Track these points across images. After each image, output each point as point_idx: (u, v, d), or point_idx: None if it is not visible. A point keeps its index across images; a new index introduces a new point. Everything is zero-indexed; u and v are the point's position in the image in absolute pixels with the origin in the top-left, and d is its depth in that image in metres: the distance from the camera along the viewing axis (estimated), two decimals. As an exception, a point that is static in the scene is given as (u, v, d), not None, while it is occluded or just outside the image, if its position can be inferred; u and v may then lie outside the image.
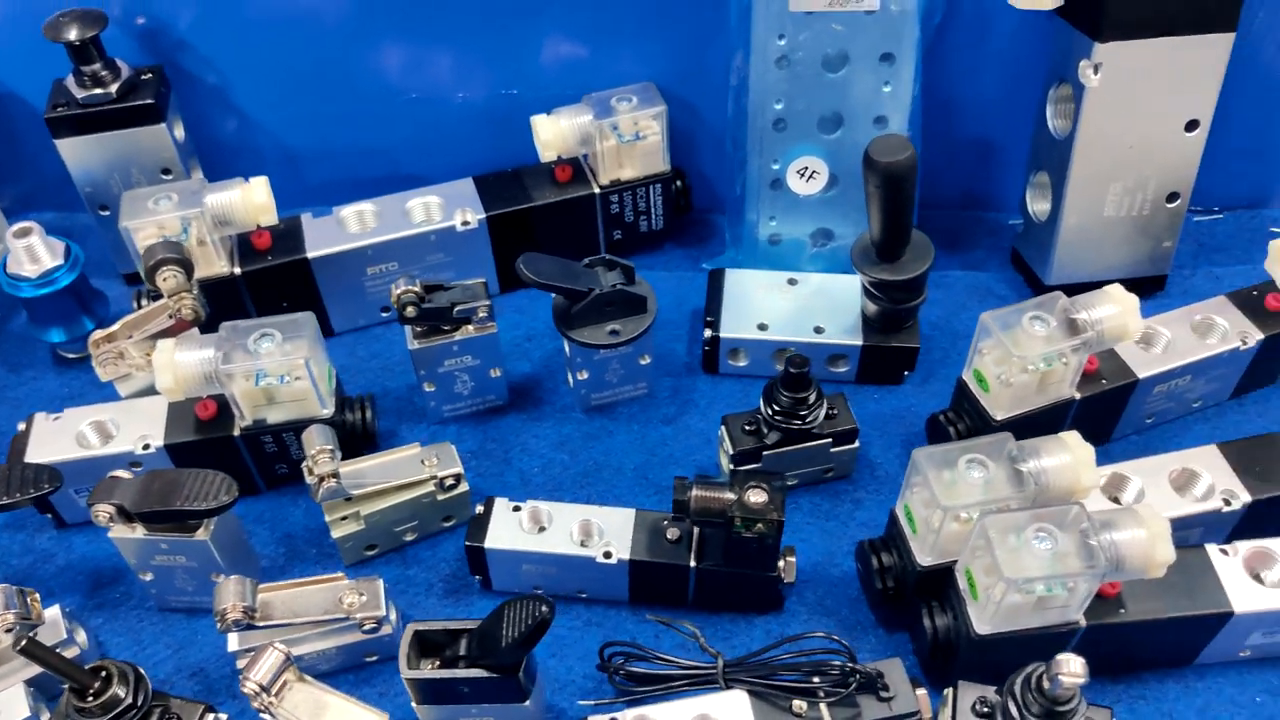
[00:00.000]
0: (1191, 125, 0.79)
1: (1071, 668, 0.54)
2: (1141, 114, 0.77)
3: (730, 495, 0.63)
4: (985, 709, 0.58)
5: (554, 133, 0.83)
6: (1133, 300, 0.69)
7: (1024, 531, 0.58)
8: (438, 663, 0.57)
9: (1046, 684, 0.54)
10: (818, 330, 0.81)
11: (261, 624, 0.62)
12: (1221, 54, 0.75)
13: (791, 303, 0.82)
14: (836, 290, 0.83)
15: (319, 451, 0.66)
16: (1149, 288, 0.87)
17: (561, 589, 0.70)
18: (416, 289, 0.72)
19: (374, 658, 0.67)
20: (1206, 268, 0.91)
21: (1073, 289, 0.80)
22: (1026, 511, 0.59)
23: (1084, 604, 0.60)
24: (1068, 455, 0.62)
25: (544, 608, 0.52)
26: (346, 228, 0.84)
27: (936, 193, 0.95)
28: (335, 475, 0.67)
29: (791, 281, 0.84)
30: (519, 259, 0.71)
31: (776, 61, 0.78)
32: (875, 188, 0.71)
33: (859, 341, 0.80)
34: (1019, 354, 0.67)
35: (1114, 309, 0.69)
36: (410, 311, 0.72)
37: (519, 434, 0.80)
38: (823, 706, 0.59)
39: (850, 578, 0.71)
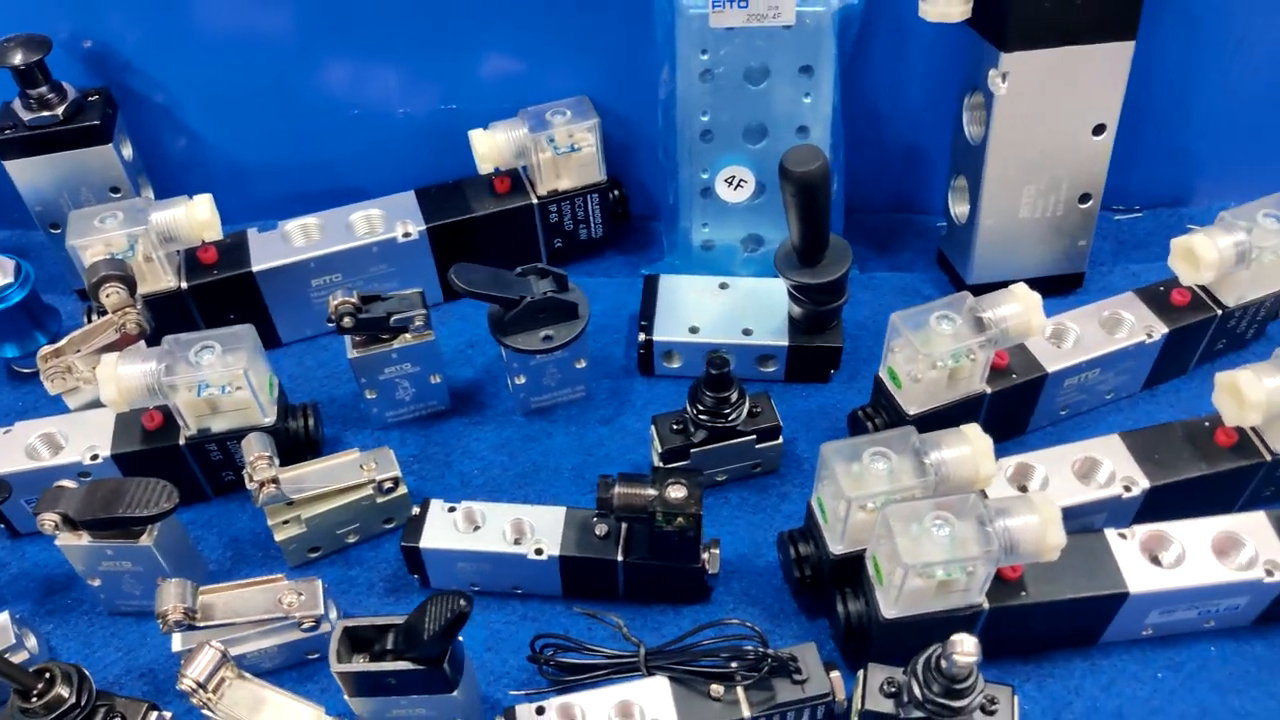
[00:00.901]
0: (1099, 129, 0.82)
1: (965, 647, 0.57)
2: (1049, 119, 0.81)
3: (651, 491, 0.66)
4: (892, 689, 0.62)
5: (490, 146, 0.86)
6: (1035, 298, 0.73)
7: (923, 519, 0.61)
8: (368, 657, 0.60)
9: (944, 663, 0.58)
10: (746, 332, 0.84)
11: (203, 624, 0.65)
12: (1123, 61, 0.79)
13: (722, 306, 0.86)
14: (765, 293, 0.86)
15: (257, 458, 0.69)
16: (1067, 285, 0.91)
17: (497, 586, 0.73)
18: (353, 300, 0.75)
19: (315, 655, 0.70)
20: (1124, 264, 0.95)
21: (993, 288, 0.83)
22: (926, 501, 0.62)
23: (984, 587, 0.63)
24: (967, 447, 0.65)
25: (462, 602, 0.55)
26: (291, 241, 0.87)
27: (866, 197, 0.99)
28: (275, 481, 0.70)
29: (723, 286, 0.87)
30: (451, 269, 0.74)
31: (700, 75, 0.81)
32: (791, 196, 0.74)
33: (785, 342, 0.83)
34: (925, 352, 0.70)
35: (1018, 307, 0.72)
36: (347, 322, 0.75)
37: (460, 438, 0.83)
38: (739, 690, 0.62)
39: (774, 568, 0.74)
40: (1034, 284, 0.87)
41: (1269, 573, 0.65)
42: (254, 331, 0.73)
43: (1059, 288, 0.91)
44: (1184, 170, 0.99)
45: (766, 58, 0.80)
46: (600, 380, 0.86)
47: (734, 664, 0.63)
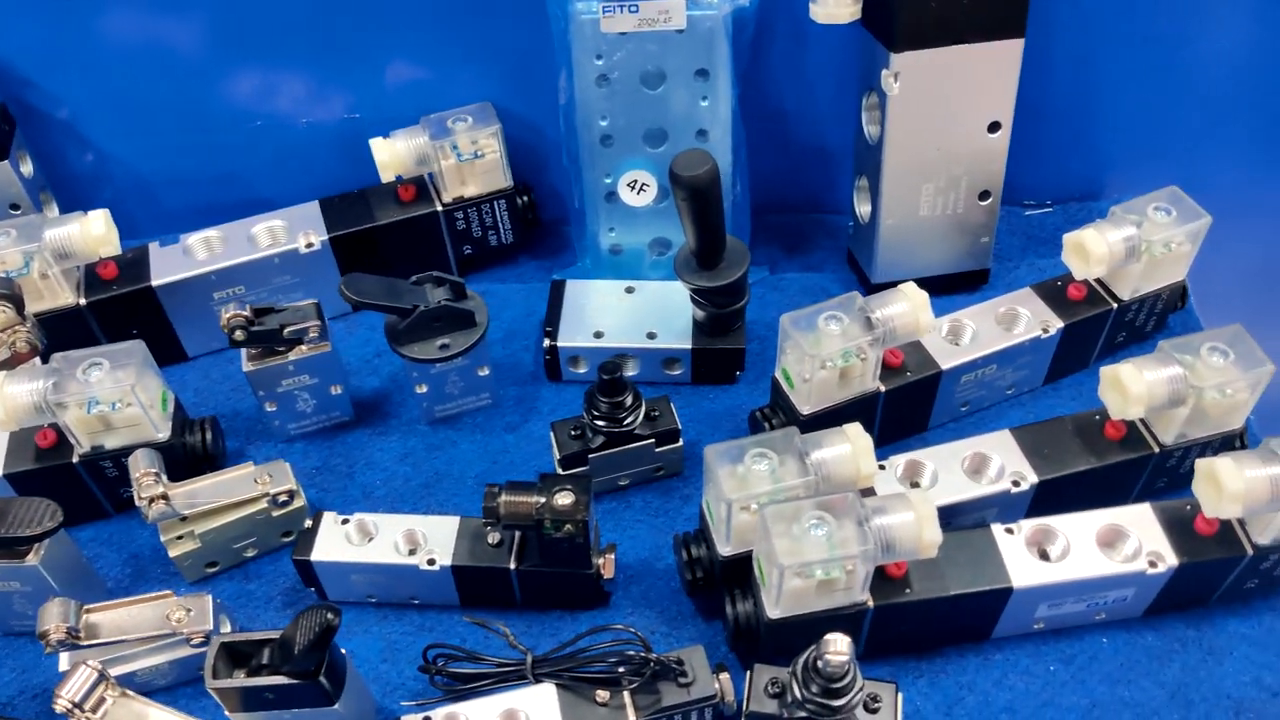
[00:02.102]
0: (994, 127, 0.83)
1: (837, 647, 0.57)
2: (943, 118, 0.82)
3: (538, 499, 0.66)
4: (776, 689, 0.62)
5: (391, 154, 0.86)
6: (923, 297, 0.73)
7: (801, 520, 0.62)
8: (246, 673, 0.60)
9: (820, 663, 0.58)
10: (651, 336, 0.84)
11: (87, 644, 0.64)
12: (1013, 58, 0.80)
13: (627, 310, 0.86)
14: (670, 297, 0.86)
15: (143, 475, 0.68)
16: (973, 281, 0.92)
17: (394, 597, 0.73)
18: (245, 313, 0.75)
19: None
20: (1032, 259, 0.95)
21: (896, 285, 0.85)
22: (804, 501, 0.62)
23: (866, 585, 0.64)
24: (848, 446, 0.66)
25: (329, 615, 0.55)
26: (193, 255, 0.86)
27: (776, 198, 0.99)
28: (164, 497, 0.69)
29: (629, 290, 0.88)
30: (342, 280, 0.74)
31: (596, 81, 0.81)
32: (683, 200, 0.74)
33: (689, 345, 0.83)
34: (812, 352, 0.71)
35: (905, 306, 0.73)
36: (239, 335, 0.74)
37: (364, 448, 0.82)
38: (625, 694, 0.63)
39: (674, 571, 0.74)
40: (939, 281, 0.91)
41: (1152, 564, 0.66)
42: (144, 347, 0.73)
43: (965, 284, 0.91)
44: (1093, 164, 1.00)
45: (661, 62, 0.81)
46: (507, 387, 0.86)
47: (620, 669, 0.63)
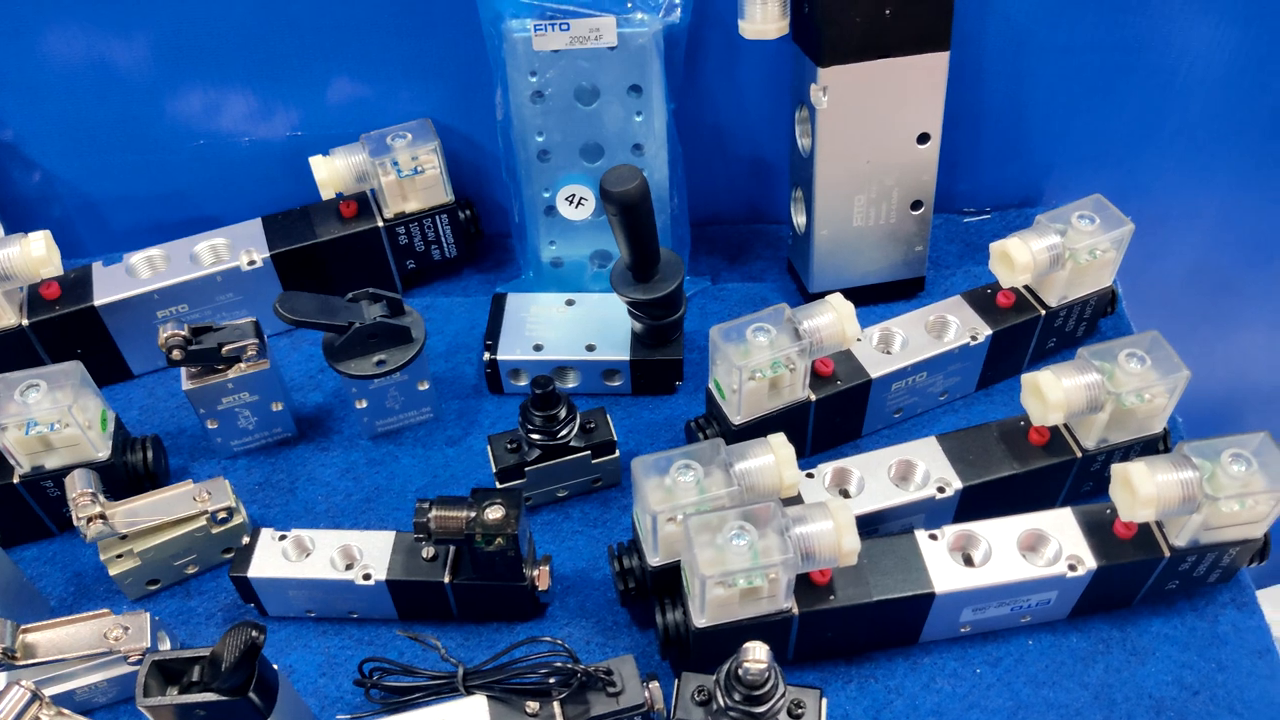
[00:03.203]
0: (923, 138, 0.85)
1: (756, 655, 0.59)
2: (873, 130, 0.83)
3: (468, 514, 0.67)
4: (703, 697, 0.63)
5: (330, 171, 0.86)
6: (849, 308, 0.75)
7: (723, 530, 0.63)
8: (179, 690, 0.60)
9: (740, 671, 0.60)
10: (590, 348, 0.85)
11: (23, 663, 0.65)
12: (939, 71, 0.81)
13: (567, 323, 0.87)
14: (610, 309, 0.87)
15: (79, 495, 0.69)
16: (909, 289, 0.93)
17: (333, 611, 0.74)
18: (183, 332, 0.75)
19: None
20: (969, 266, 0.97)
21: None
22: (726, 511, 0.64)
23: (789, 593, 0.65)
24: (770, 456, 0.67)
25: (254, 633, 0.56)
26: (136, 274, 0.87)
27: (718, 210, 1.01)
28: (101, 516, 0.70)
29: (569, 303, 0.89)
30: (276, 299, 0.74)
31: (531, 97, 0.83)
32: (614, 215, 0.76)
33: (627, 357, 0.85)
34: (740, 364, 0.72)
35: (832, 317, 0.74)
36: (176, 354, 0.75)
37: (306, 464, 0.83)
38: (555, 705, 0.64)
39: (610, 581, 0.76)
40: (875, 289, 0.92)
41: (1072, 567, 0.68)
42: (81, 368, 0.74)
43: (901, 292, 0.93)
44: (1030, 171, 1.02)
45: (594, 78, 0.82)
46: (449, 400, 0.87)
47: (550, 680, 0.64)
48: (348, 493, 0.81)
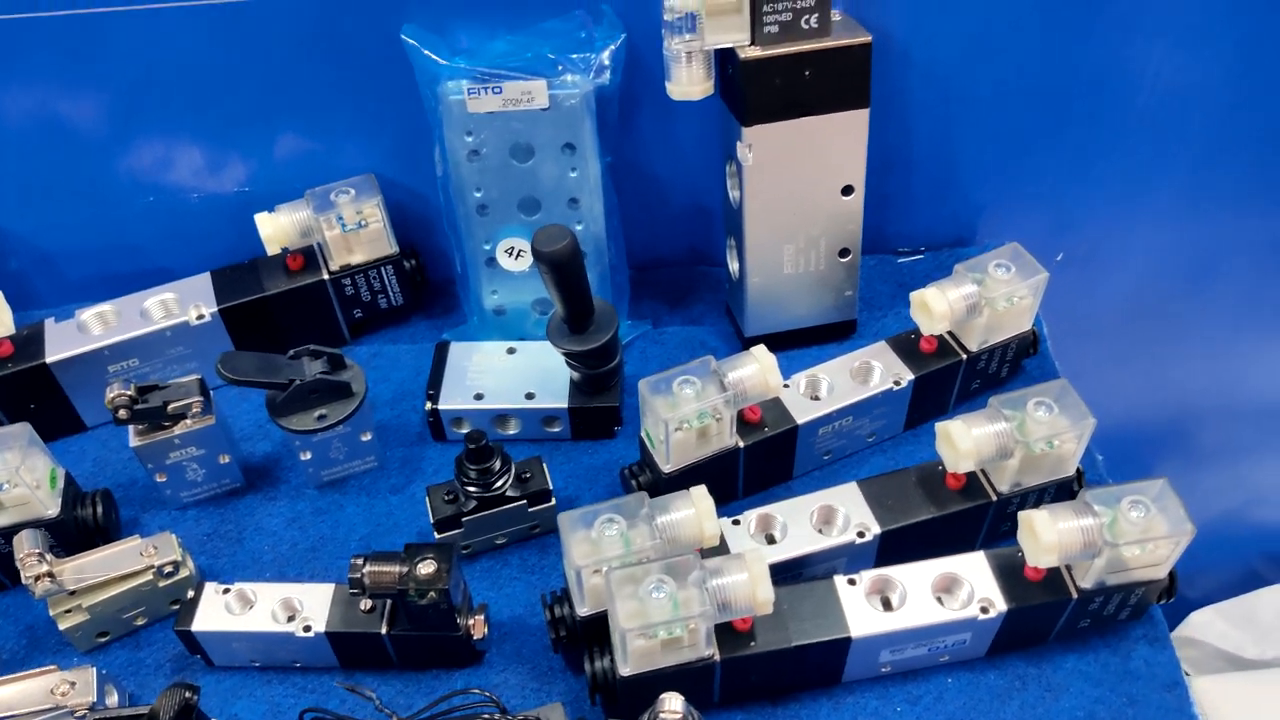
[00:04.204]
0: (847, 190, 0.88)
1: (670, 705, 0.62)
2: (798, 184, 0.86)
3: (401, 569, 0.70)
4: (626, 742, 0.66)
5: (275, 228, 0.89)
6: (771, 360, 0.78)
7: (643, 582, 0.66)
8: (118, 748, 0.63)
9: (658, 720, 0.62)
10: (530, 396, 0.88)
11: (-31, 723, 0.67)
12: (860, 127, 0.84)
13: (508, 371, 0.90)
14: (550, 357, 0.89)
15: (26, 555, 0.71)
16: (841, 332, 0.96)
17: (276, 661, 0.76)
18: (129, 392, 0.78)
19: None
20: (900, 307, 1.00)
21: (769, 338, 0.90)
22: (650, 564, 0.66)
23: (710, 641, 0.68)
24: (692, 509, 0.70)
25: (188, 694, 0.58)
26: (88, 330, 0.89)
27: (658, 255, 1.04)
28: (49, 575, 0.72)
29: (510, 351, 0.91)
30: (218, 359, 0.77)
31: (468, 156, 0.85)
32: (547, 273, 0.78)
33: (566, 404, 0.87)
34: (666, 416, 0.75)
35: (755, 368, 0.77)
36: (123, 414, 0.77)
37: (253, 514, 0.86)
38: (484, 752, 0.67)
39: (546, 629, 0.78)
40: (808, 333, 0.95)
41: (984, 610, 0.71)
42: (29, 429, 0.76)
43: (833, 335, 0.96)
44: (961, 213, 1.05)
45: (529, 138, 0.85)
46: (394, 448, 0.90)
47: (480, 727, 0.67)
48: (294, 542, 0.84)
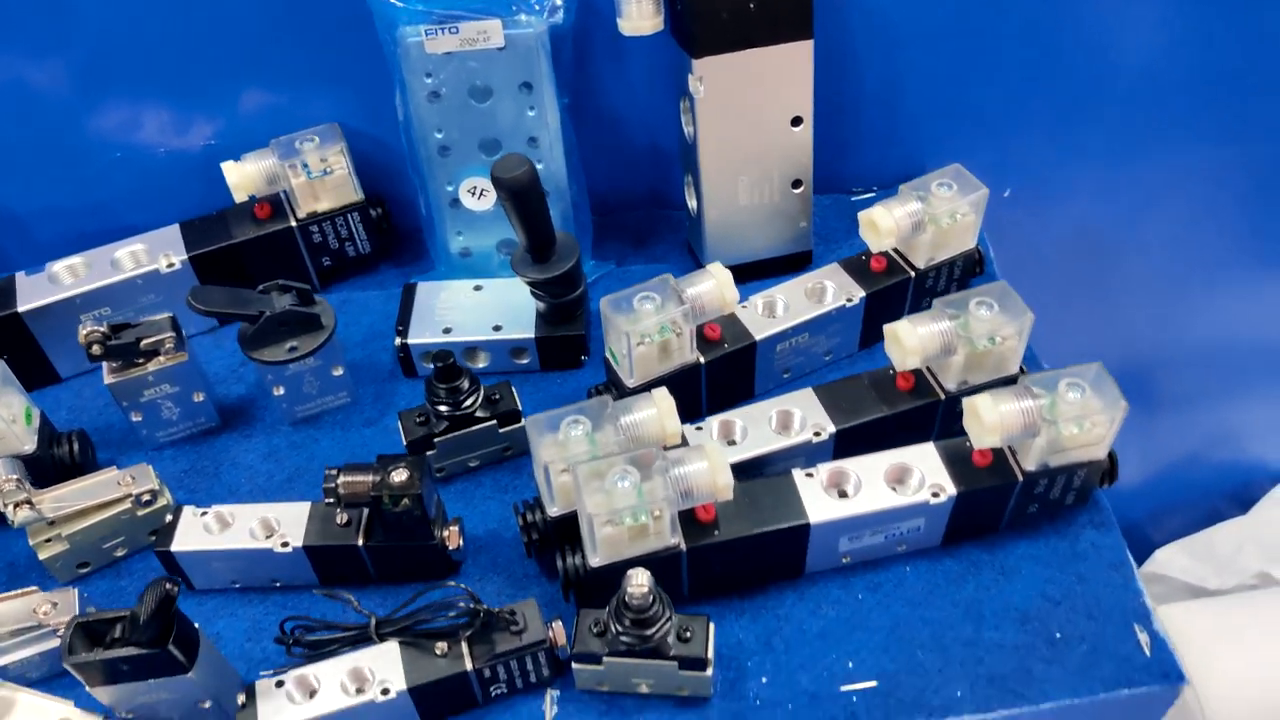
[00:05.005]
0: (796, 121, 0.91)
1: (637, 580, 0.64)
2: (748, 116, 0.90)
3: (374, 478, 0.72)
4: (599, 628, 0.69)
5: (241, 175, 0.92)
6: (726, 275, 0.81)
7: (608, 474, 0.68)
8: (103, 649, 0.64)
9: (626, 598, 0.65)
10: (497, 328, 0.91)
11: (-45, 641, 0.69)
12: (805, 57, 0.88)
13: (475, 307, 0.92)
14: (516, 292, 0.92)
15: (4, 481, 0.73)
16: (797, 263, 1.00)
17: (256, 580, 0.78)
18: (102, 329, 0.80)
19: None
20: (854, 240, 1.03)
21: (728, 270, 0.93)
22: (612, 458, 0.69)
23: (675, 529, 0.71)
24: (653, 409, 0.73)
25: (169, 585, 0.60)
26: (59, 281, 0.91)
27: (621, 197, 1.07)
28: (27, 502, 0.74)
29: (477, 288, 0.94)
30: (189, 291, 0.79)
31: (428, 97, 0.88)
32: (507, 200, 0.81)
33: (532, 334, 0.90)
34: (628, 329, 0.78)
35: (712, 283, 0.81)
36: (96, 350, 0.79)
37: (229, 450, 0.88)
38: (463, 645, 0.69)
39: (520, 539, 0.81)
40: (766, 265, 0.99)
41: (935, 495, 0.74)
42: (3, 366, 0.78)
43: (790, 266, 0.99)
44: (910, 151, 1.09)
45: (486, 78, 0.88)
46: (366, 385, 0.92)
47: (456, 622, 0.69)
48: (270, 474, 0.86)
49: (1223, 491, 1.71)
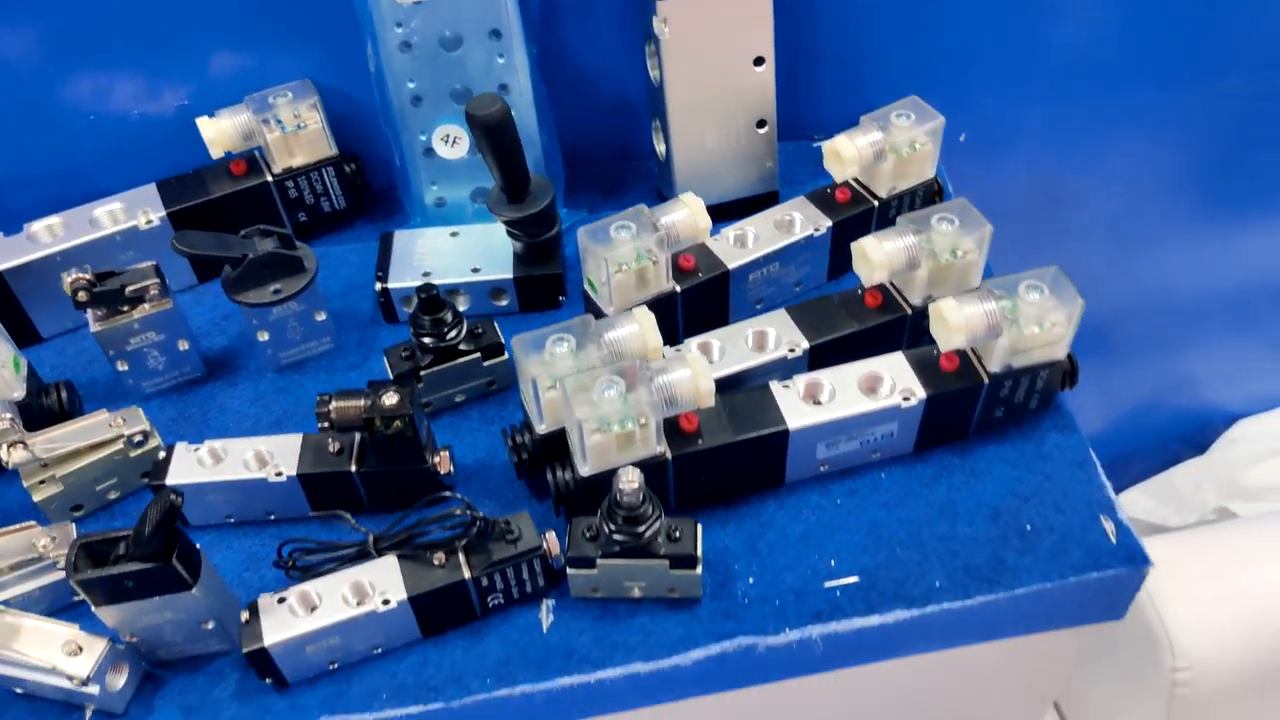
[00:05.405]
0: (758, 61, 0.95)
1: (628, 477, 0.67)
2: (712, 57, 0.93)
3: (365, 401, 0.74)
4: (591, 533, 0.71)
5: (217, 131, 0.93)
6: (699, 203, 0.84)
7: (594, 385, 0.71)
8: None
9: (619, 497, 0.68)
10: (475, 270, 0.93)
11: (-45, 574, 0.70)
12: (764, -3, 0.92)
13: (453, 251, 0.95)
14: (493, 236, 0.95)
15: (-3, 421, 0.74)
16: (764, 203, 1.02)
17: (251, 513, 0.79)
18: (87, 276, 0.81)
19: (81, 597, 0.75)
20: (820, 180, 1.07)
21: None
22: (596, 370, 0.72)
23: (660, 437, 0.73)
24: (635, 325, 0.75)
25: (173, 496, 0.62)
26: (38, 240, 0.92)
27: (591, 148, 1.10)
28: (20, 442, 0.75)
29: (454, 234, 0.96)
30: (173, 237, 0.81)
31: (399, 47, 0.90)
32: (482, 138, 0.84)
33: (510, 275, 0.93)
34: (605, 256, 0.81)
35: (685, 212, 0.84)
36: (82, 296, 0.80)
37: (216, 398, 0.89)
38: (460, 555, 0.71)
39: (509, 464, 0.83)
40: (734, 205, 1.02)
41: (905, 399, 0.77)
42: (-10, 315, 0.79)
43: (757, 206, 1.01)
44: (869, 98, 1.11)
45: (456, 26, 0.90)
46: (349, 332, 0.94)
47: (453, 531, 0.71)
48: (257, 418, 0.87)
49: (1181, 435, 1.78)
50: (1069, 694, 1.65)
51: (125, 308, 0.83)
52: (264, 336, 0.87)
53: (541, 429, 0.76)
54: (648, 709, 0.78)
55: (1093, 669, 1.55)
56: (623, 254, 0.82)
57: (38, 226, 0.92)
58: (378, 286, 0.91)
